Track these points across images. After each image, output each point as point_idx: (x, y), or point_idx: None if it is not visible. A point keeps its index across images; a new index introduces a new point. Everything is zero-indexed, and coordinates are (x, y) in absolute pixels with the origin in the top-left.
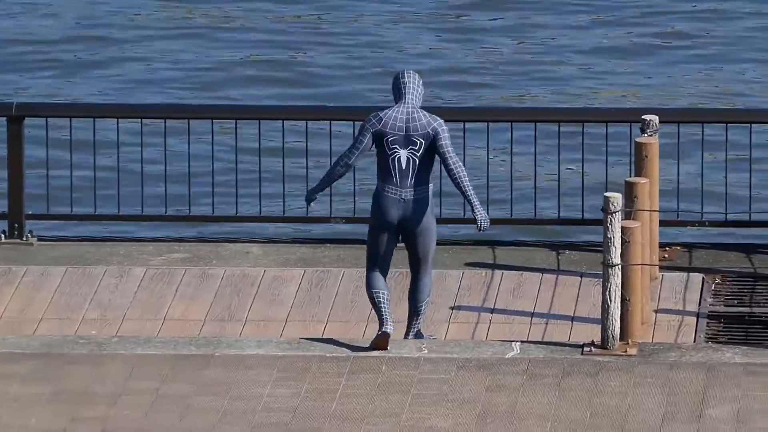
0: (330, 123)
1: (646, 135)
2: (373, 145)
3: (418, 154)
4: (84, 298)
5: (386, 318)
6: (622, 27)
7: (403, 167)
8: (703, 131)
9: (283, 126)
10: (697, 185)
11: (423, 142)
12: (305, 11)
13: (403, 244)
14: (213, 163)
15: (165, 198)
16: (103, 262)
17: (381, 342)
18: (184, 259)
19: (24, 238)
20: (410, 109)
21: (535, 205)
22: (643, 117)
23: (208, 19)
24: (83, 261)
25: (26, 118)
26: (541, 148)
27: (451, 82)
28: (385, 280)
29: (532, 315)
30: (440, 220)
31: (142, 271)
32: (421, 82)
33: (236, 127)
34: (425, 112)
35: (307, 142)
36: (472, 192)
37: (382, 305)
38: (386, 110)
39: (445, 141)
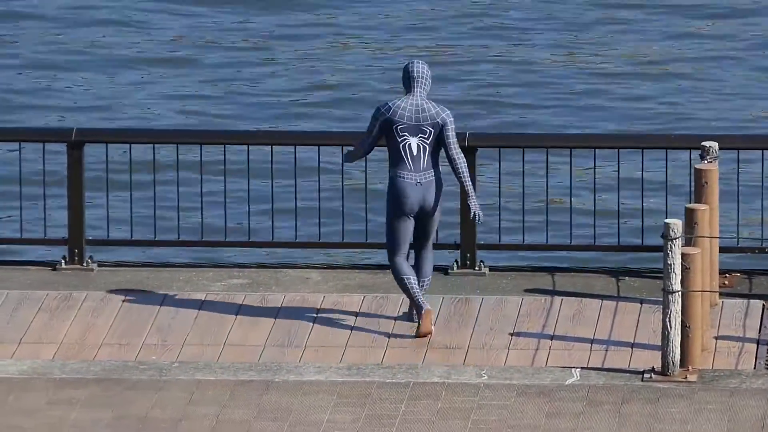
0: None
1: (705, 162)
2: (383, 134)
3: (428, 142)
4: (144, 323)
5: (420, 300)
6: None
7: (414, 153)
8: (763, 158)
9: (342, 151)
10: (757, 211)
11: (432, 131)
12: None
13: None
14: (272, 188)
15: (224, 223)
16: (164, 287)
17: (426, 322)
18: (243, 285)
19: (84, 264)
20: (419, 101)
21: (594, 231)
22: (702, 143)
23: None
24: (143, 286)
25: (86, 144)
26: (599, 173)
27: (487, 102)
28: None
29: (592, 341)
30: (500, 246)
31: (202, 297)
32: (429, 73)
33: (295, 153)
34: (434, 103)
35: (366, 167)
36: (469, 183)
37: (414, 290)
38: (395, 100)
39: (451, 133)
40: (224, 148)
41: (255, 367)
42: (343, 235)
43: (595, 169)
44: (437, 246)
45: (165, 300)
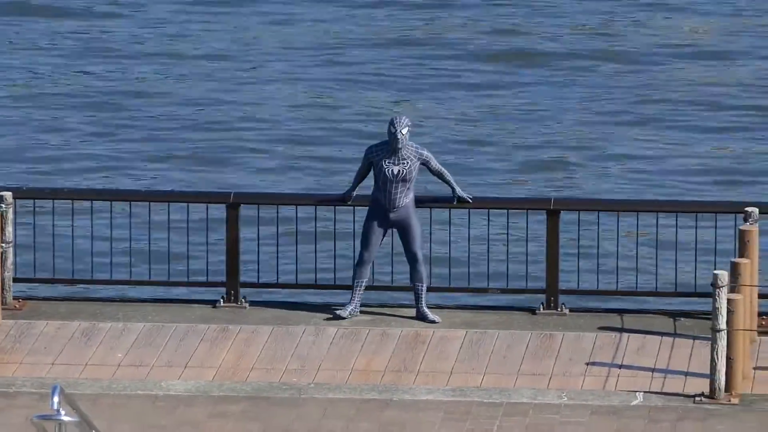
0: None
1: (748, 224)
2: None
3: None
4: (287, 351)
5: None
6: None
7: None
8: None
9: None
10: None
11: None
12: None
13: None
14: (392, 236)
15: (353, 266)
16: (303, 322)
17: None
18: (368, 321)
19: (238, 303)
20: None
21: (656, 280)
22: (745, 209)
23: None
24: (286, 321)
25: (241, 205)
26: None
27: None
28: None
29: (653, 370)
30: (578, 291)
31: (334, 331)
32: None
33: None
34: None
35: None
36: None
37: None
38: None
39: None
40: (321, 208)
41: (376, 388)
42: (450, 280)
43: (657, 228)
44: (527, 291)
45: (304, 332)
